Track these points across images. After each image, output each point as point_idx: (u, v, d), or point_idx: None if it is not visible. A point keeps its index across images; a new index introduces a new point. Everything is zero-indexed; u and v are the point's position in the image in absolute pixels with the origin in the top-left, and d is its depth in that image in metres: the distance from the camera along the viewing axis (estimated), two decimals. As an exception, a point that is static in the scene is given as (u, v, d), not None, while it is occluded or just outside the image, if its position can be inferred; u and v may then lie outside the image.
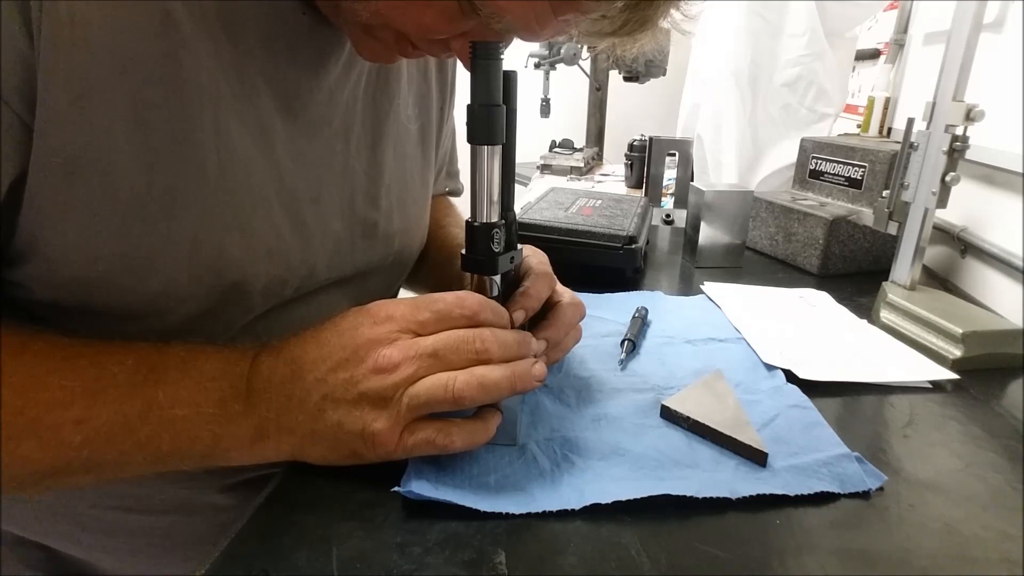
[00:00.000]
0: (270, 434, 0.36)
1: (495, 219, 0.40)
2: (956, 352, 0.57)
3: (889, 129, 1.18)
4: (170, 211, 0.35)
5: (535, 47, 1.82)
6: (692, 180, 1.19)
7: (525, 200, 0.90)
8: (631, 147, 1.61)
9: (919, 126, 0.65)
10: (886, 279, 0.71)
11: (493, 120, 0.38)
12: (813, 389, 0.51)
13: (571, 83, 2.15)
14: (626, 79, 1.95)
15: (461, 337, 0.36)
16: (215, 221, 0.38)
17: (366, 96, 0.49)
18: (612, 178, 1.79)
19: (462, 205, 0.67)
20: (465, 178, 0.45)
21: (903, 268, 0.69)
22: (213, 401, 0.35)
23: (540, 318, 0.46)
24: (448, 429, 0.37)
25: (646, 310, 0.64)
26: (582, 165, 1.82)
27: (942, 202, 0.64)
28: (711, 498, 0.37)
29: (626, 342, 0.57)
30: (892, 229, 0.70)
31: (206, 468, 0.37)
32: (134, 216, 0.34)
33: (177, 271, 0.37)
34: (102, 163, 0.32)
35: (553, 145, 1.97)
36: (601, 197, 0.92)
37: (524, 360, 0.38)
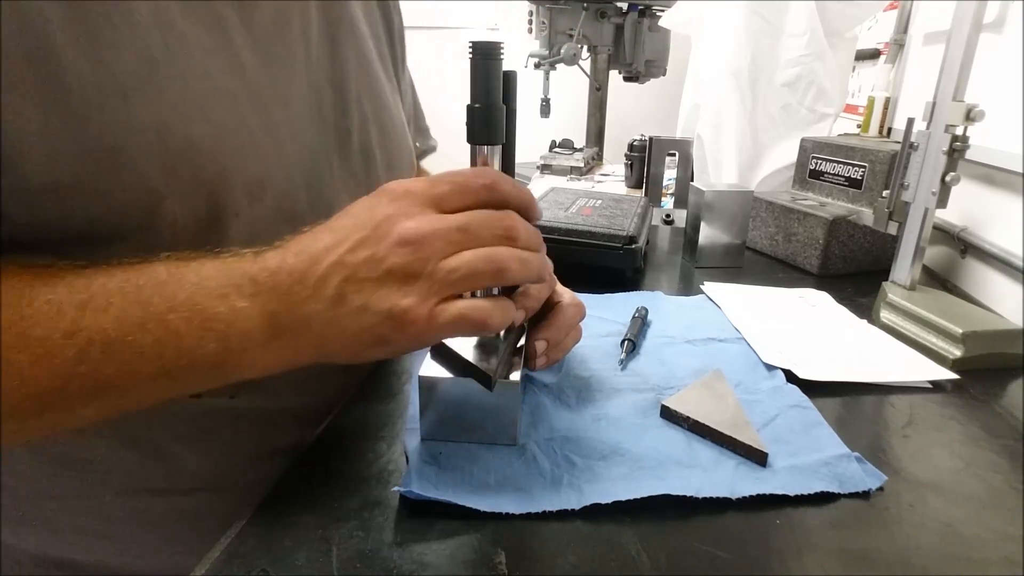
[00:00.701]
0: (285, 330, 0.34)
1: None
2: (956, 352, 0.57)
3: (889, 129, 1.18)
4: (124, 98, 0.35)
5: (535, 47, 1.82)
6: (692, 180, 1.19)
7: (525, 200, 0.90)
8: (631, 147, 1.61)
9: (919, 126, 0.65)
10: (886, 279, 0.71)
11: (493, 120, 0.38)
12: (813, 389, 0.51)
13: (571, 83, 2.15)
14: (626, 79, 1.95)
15: (491, 213, 0.36)
16: (176, 109, 0.37)
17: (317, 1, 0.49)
18: (612, 178, 1.79)
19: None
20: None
21: (903, 268, 0.69)
22: (214, 300, 0.33)
23: (540, 318, 0.46)
24: (482, 304, 0.35)
25: (646, 310, 0.64)
26: (582, 165, 1.82)
27: (942, 202, 0.64)
28: (711, 498, 0.37)
29: (626, 342, 0.57)
30: (892, 229, 0.70)
31: (225, 381, 0.35)
32: (88, 105, 0.33)
33: (147, 163, 0.36)
34: (42, 50, 0.32)
35: (553, 145, 1.97)
36: (601, 197, 0.92)
37: (542, 254, 0.38)
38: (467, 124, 0.38)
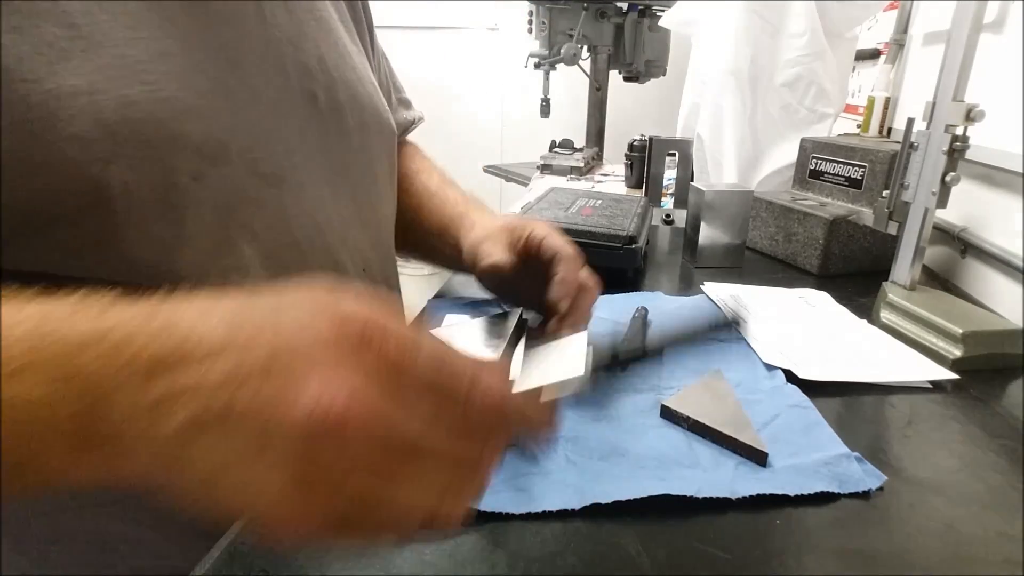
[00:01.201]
0: (99, 444, 0.22)
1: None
2: (956, 352, 0.57)
3: (889, 129, 1.18)
4: (50, 65, 0.34)
5: (535, 47, 1.82)
6: (692, 180, 1.19)
7: (525, 200, 0.90)
8: (631, 147, 1.61)
9: (919, 126, 0.65)
10: (886, 279, 0.71)
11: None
12: (813, 389, 0.51)
13: (571, 83, 2.15)
14: (626, 79, 1.95)
15: (462, 455, 0.24)
16: (106, 73, 0.36)
17: None
18: (612, 178, 1.79)
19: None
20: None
21: (903, 268, 0.69)
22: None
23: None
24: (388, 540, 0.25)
25: (646, 310, 0.64)
26: (582, 165, 1.82)
27: (942, 202, 0.64)
28: (711, 498, 0.37)
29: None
30: (892, 229, 0.70)
31: (32, 487, 0.23)
32: (9, 75, 0.33)
33: (84, 128, 0.35)
34: None
35: (553, 145, 1.97)
36: (601, 197, 0.92)
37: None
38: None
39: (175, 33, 0.40)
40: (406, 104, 0.75)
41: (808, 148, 0.93)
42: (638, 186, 1.57)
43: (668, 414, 0.46)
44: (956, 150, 0.62)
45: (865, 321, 0.66)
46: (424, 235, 0.65)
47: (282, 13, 0.48)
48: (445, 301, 0.67)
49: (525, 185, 1.81)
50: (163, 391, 0.22)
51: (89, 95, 0.35)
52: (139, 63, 0.37)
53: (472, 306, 0.66)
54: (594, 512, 0.36)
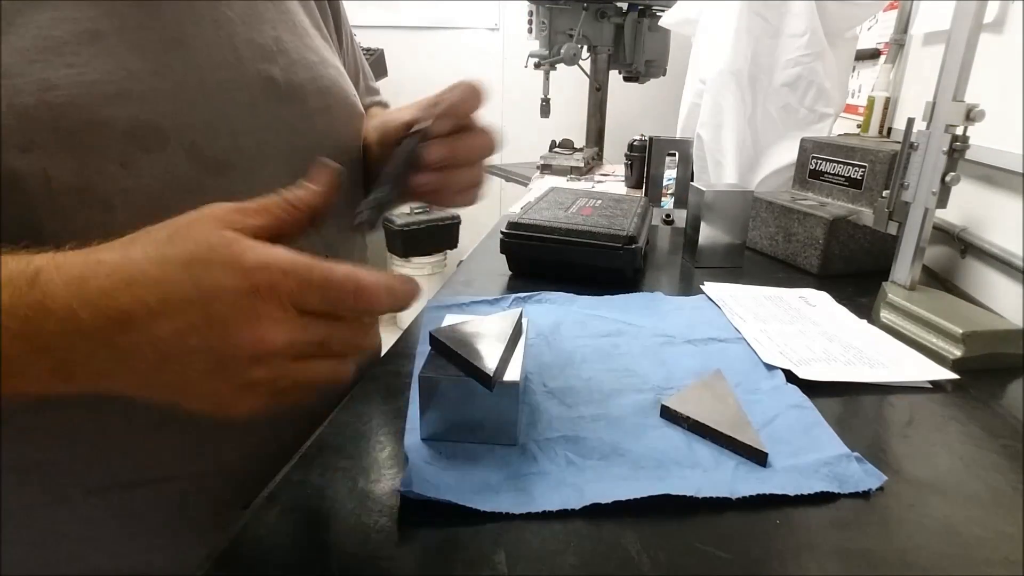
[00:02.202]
0: (77, 376, 0.31)
1: None
2: (956, 352, 0.57)
3: (889, 129, 1.18)
4: None
5: (535, 47, 1.82)
6: (692, 180, 1.19)
7: (525, 200, 0.90)
8: (631, 147, 1.61)
9: (919, 126, 0.65)
10: (886, 279, 0.71)
11: None
12: (813, 389, 0.51)
13: (571, 83, 2.15)
14: (626, 79, 1.95)
15: (350, 330, 0.34)
16: (27, 55, 0.35)
17: None
18: (612, 178, 1.79)
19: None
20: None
21: (903, 268, 0.69)
22: None
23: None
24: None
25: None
26: (582, 165, 1.82)
27: (942, 202, 0.64)
28: (711, 498, 0.37)
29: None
30: (892, 229, 0.70)
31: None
32: None
33: None
34: None
35: (553, 145, 1.97)
36: (601, 197, 0.92)
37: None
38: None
39: (110, 12, 0.39)
40: (374, 92, 0.74)
41: (808, 148, 0.93)
42: (638, 186, 1.57)
43: (668, 414, 0.46)
44: (956, 150, 0.62)
45: (865, 321, 0.66)
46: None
47: None
48: (445, 301, 0.67)
49: (525, 185, 1.81)
50: (131, 344, 0.30)
51: (6, 79, 0.34)
52: (65, 44, 0.36)
53: (472, 306, 0.66)
54: (594, 512, 0.36)
